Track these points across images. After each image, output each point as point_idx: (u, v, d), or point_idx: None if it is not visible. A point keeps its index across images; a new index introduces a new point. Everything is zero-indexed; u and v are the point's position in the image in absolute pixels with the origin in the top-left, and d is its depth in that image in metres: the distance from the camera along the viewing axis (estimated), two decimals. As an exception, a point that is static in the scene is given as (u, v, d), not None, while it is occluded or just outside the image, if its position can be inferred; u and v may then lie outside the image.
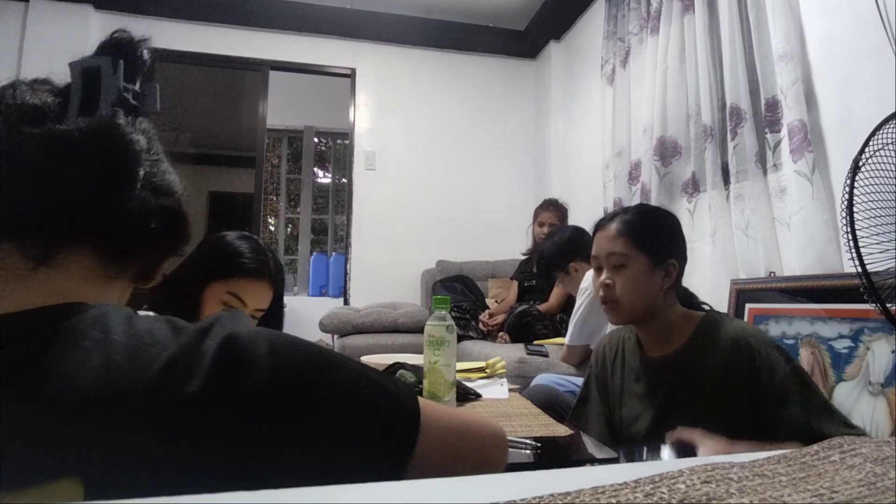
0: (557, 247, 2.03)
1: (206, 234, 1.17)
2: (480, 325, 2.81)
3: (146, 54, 0.50)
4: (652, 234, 1.10)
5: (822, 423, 0.93)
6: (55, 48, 3.20)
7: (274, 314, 1.16)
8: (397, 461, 0.45)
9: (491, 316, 2.79)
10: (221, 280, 1.06)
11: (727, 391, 0.99)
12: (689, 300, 1.18)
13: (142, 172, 0.48)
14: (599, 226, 1.16)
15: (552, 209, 2.89)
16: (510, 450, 0.86)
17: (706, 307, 1.17)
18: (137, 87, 0.50)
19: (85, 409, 0.35)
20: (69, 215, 0.44)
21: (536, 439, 0.92)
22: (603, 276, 1.12)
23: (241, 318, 0.44)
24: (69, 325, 0.39)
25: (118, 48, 0.49)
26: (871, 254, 1.01)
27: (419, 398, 0.48)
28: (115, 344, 0.38)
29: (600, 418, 1.21)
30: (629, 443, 1.11)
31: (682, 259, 1.12)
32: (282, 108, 4.93)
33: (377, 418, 0.45)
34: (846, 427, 0.94)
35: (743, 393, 0.97)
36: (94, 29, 3.30)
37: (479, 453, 0.52)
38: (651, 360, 1.12)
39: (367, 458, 0.44)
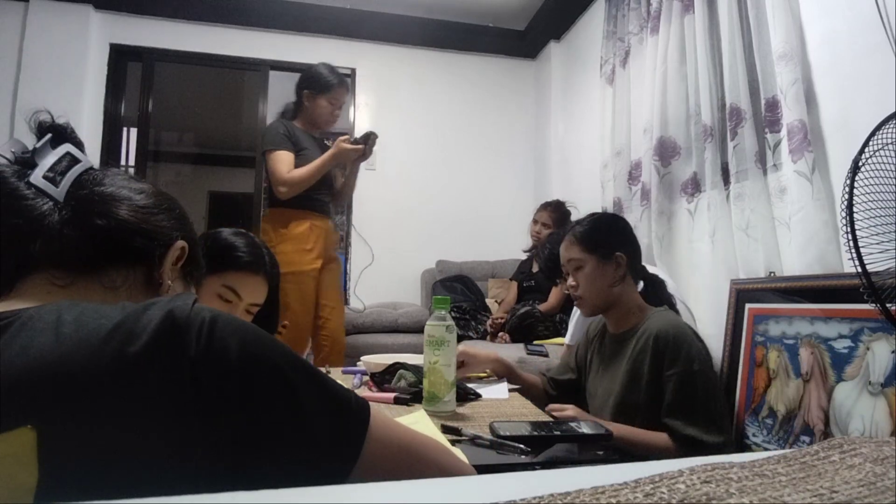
0: (550, 260, 2.07)
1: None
2: (488, 327, 2.80)
3: None
4: (596, 236, 1.36)
5: (679, 422, 1.17)
6: (55, 48, 3.21)
7: (270, 310, 1.16)
8: (338, 456, 0.46)
9: (495, 322, 2.78)
10: (217, 273, 1.04)
11: (647, 373, 1.23)
12: (656, 287, 1.46)
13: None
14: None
15: (549, 209, 2.88)
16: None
17: (674, 301, 1.48)
18: None
19: (37, 370, 0.40)
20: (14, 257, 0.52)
21: (536, 437, 0.92)
22: (569, 281, 1.38)
23: (187, 296, 0.47)
24: (27, 314, 0.45)
25: None
26: (871, 254, 1.01)
27: (374, 412, 0.49)
28: (66, 322, 0.43)
29: (572, 383, 1.54)
30: (593, 406, 1.40)
31: (631, 251, 1.38)
32: (282, 108, 4.92)
33: (323, 411, 0.46)
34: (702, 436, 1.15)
35: (657, 375, 1.22)
36: (94, 29, 3.30)
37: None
38: (611, 337, 1.40)
39: (304, 447, 0.44)
